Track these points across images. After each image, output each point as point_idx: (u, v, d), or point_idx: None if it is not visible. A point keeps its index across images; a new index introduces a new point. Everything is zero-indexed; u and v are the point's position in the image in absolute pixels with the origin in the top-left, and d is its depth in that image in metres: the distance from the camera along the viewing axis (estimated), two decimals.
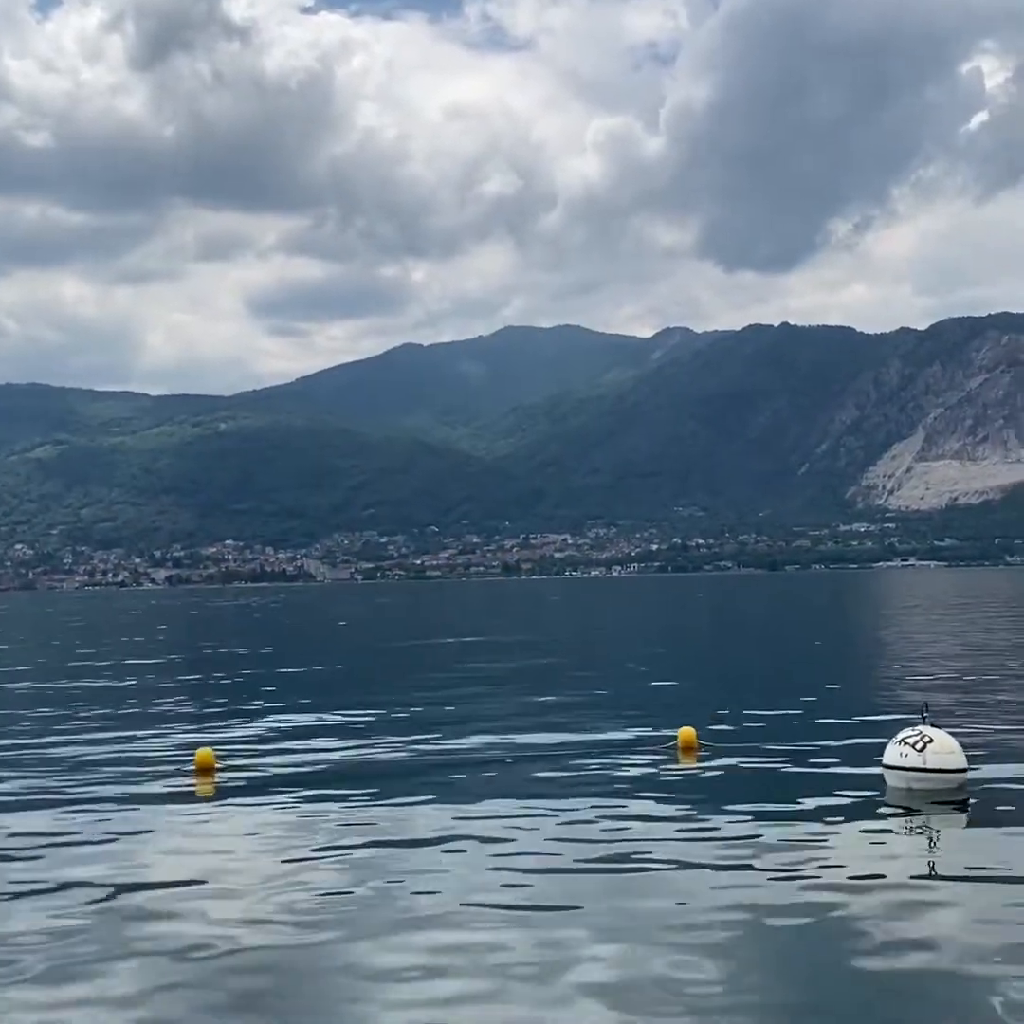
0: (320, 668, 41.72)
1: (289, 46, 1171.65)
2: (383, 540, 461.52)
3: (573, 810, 15.24)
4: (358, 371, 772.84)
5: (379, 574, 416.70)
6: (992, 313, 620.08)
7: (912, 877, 11.86)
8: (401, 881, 12.08)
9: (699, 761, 18.79)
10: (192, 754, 19.46)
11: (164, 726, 24.89)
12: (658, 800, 15.78)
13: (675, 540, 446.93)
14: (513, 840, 13.72)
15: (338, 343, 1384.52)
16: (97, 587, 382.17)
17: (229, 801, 16.72)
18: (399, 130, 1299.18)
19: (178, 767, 19.28)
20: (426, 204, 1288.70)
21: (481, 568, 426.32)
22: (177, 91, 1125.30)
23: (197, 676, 39.46)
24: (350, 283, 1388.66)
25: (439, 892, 11.62)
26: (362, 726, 24.11)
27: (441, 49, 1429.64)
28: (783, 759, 18.74)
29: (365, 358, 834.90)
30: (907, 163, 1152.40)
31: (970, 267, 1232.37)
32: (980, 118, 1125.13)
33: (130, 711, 28.20)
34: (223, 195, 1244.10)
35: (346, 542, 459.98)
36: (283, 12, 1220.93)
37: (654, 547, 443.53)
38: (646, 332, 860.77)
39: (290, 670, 40.71)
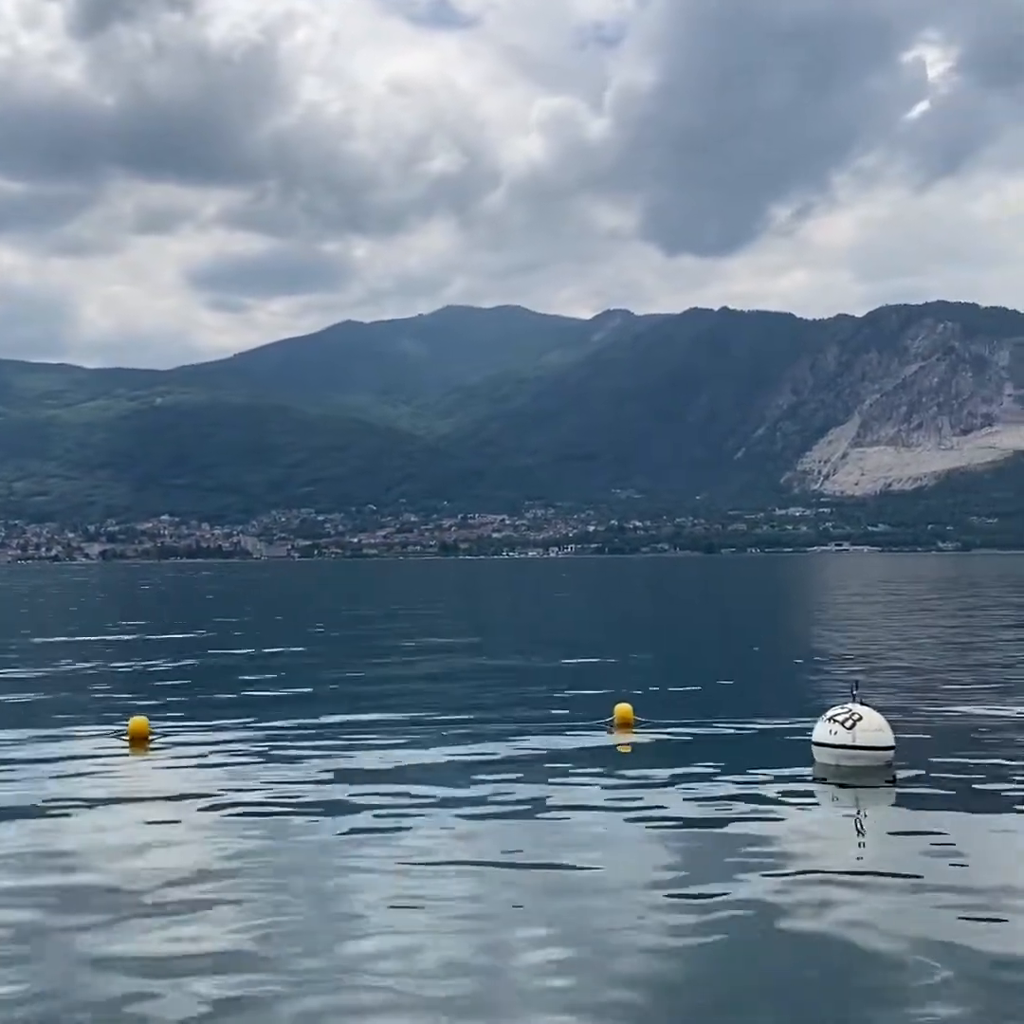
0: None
1: (232, 18, 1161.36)
2: (320, 518, 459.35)
3: (505, 785, 15.22)
4: (298, 347, 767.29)
5: (316, 552, 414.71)
6: (928, 301, 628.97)
7: (838, 854, 11.96)
8: (332, 851, 12.07)
9: (635, 737, 18.90)
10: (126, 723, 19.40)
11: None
12: (592, 775, 15.79)
13: (613, 522, 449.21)
14: (434, 815, 13.73)
15: (278, 319, 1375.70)
16: (30, 561, 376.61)
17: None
18: (343, 104, 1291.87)
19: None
20: (369, 180, 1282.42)
21: (419, 547, 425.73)
22: (118, 61, 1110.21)
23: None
24: (291, 258, 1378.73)
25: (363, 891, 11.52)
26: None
27: (387, 23, 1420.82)
28: (716, 736, 18.88)
29: (305, 334, 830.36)
30: (848, 150, 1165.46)
31: (908, 255, 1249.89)
32: (921, 107, 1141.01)
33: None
34: (163, 166, 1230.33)
35: (283, 519, 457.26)
36: None
37: (592, 529, 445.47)
38: (587, 314, 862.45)
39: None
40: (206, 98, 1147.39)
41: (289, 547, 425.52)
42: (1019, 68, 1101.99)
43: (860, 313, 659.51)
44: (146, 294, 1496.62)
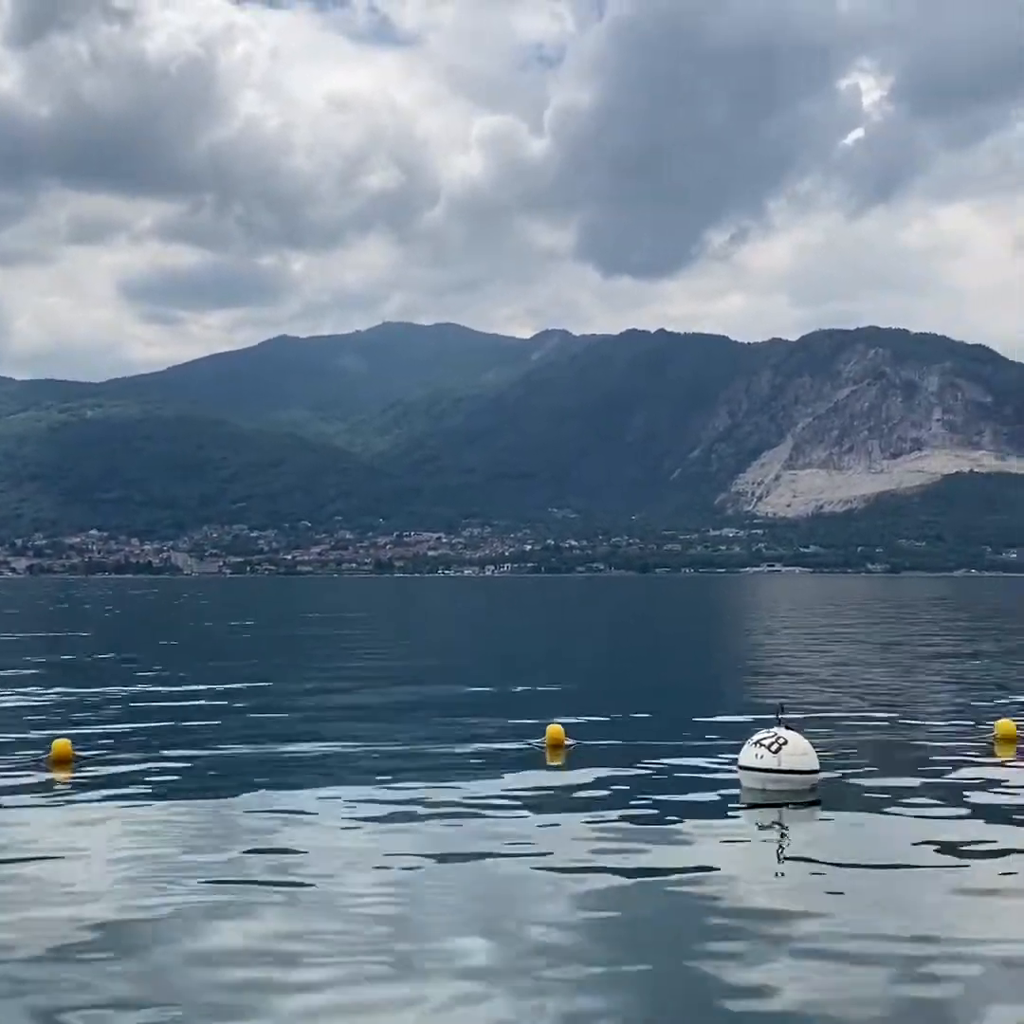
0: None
1: (171, 30, 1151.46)
2: (254, 534, 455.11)
3: (434, 807, 15.03)
4: (233, 362, 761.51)
5: (248, 568, 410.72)
6: (860, 327, 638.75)
7: (761, 876, 11.94)
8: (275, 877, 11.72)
9: (566, 758, 18.79)
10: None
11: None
12: (521, 797, 15.66)
13: (549, 541, 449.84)
14: (358, 829, 13.57)
15: (213, 333, 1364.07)
16: None
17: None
18: (281, 119, 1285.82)
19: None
20: (307, 195, 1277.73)
21: (354, 565, 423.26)
22: (54, 71, 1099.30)
23: None
24: (227, 272, 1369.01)
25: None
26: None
27: (327, 39, 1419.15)
28: (645, 757, 18.80)
29: (240, 349, 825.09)
30: (784, 176, 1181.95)
31: (841, 281, 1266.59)
32: (856, 134, 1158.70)
33: None
34: (98, 177, 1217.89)
35: (215, 535, 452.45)
36: None
37: (528, 547, 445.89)
38: (525, 333, 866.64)
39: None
40: (143, 110, 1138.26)
41: (221, 564, 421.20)
42: (951, 99, 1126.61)
43: (794, 337, 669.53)
44: (79, 305, 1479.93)
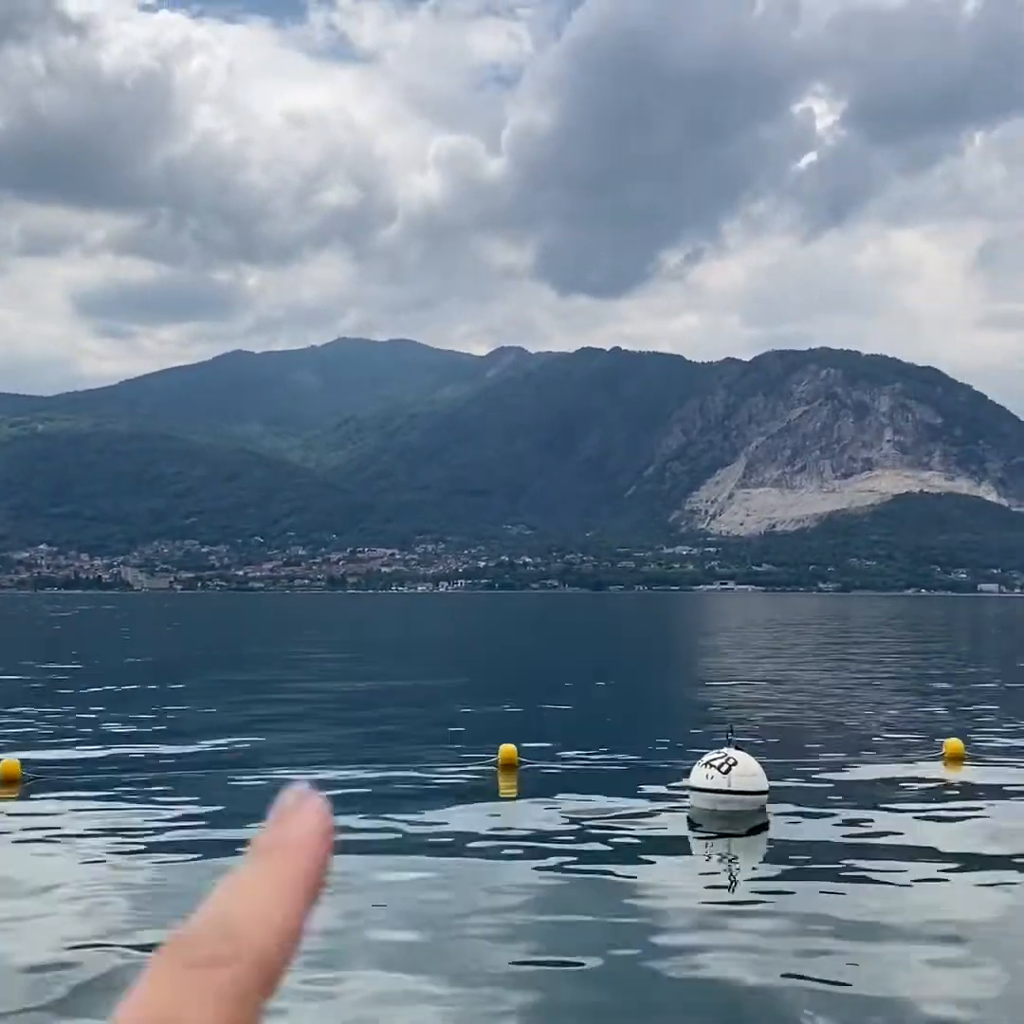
0: None
1: (127, 43, 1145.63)
2: (205, 550, 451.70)
3: (385, 830, 14.87)
4: (187, 376, 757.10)
5: (200, 584, 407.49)
6: (813, 348, 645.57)
7: (711, 895, 11.97)
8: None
9: (519, 777, 18.71)
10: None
11: None
12: (474, 814, 15.66)
13: (503, 558, 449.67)
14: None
15: (167, 347, 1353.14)
16: None
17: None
18: (238, 134, 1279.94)
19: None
20: (263, 210, 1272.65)
21: (306, 581, 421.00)
22: (9, 82, 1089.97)
23: None
24: (181, 286, 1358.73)
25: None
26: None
27: (284, 56, 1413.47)
28: (597, 776, 18.78)
29: (194, 363, 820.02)
30: (738, 198, 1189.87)
31: (794, 302, 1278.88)
32: (809, 158, 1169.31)
33: None
34: (52, 189, 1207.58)
35: (166, 551, 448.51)
36: (122, 9, 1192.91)
37: (482, 564, 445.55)
38: (481, 350, 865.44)
39: None
40: (98, 123, 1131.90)
41: (172, 579, 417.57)
42: (903, 125, 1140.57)
43: (747, 357, 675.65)
44: (31, 318, 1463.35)
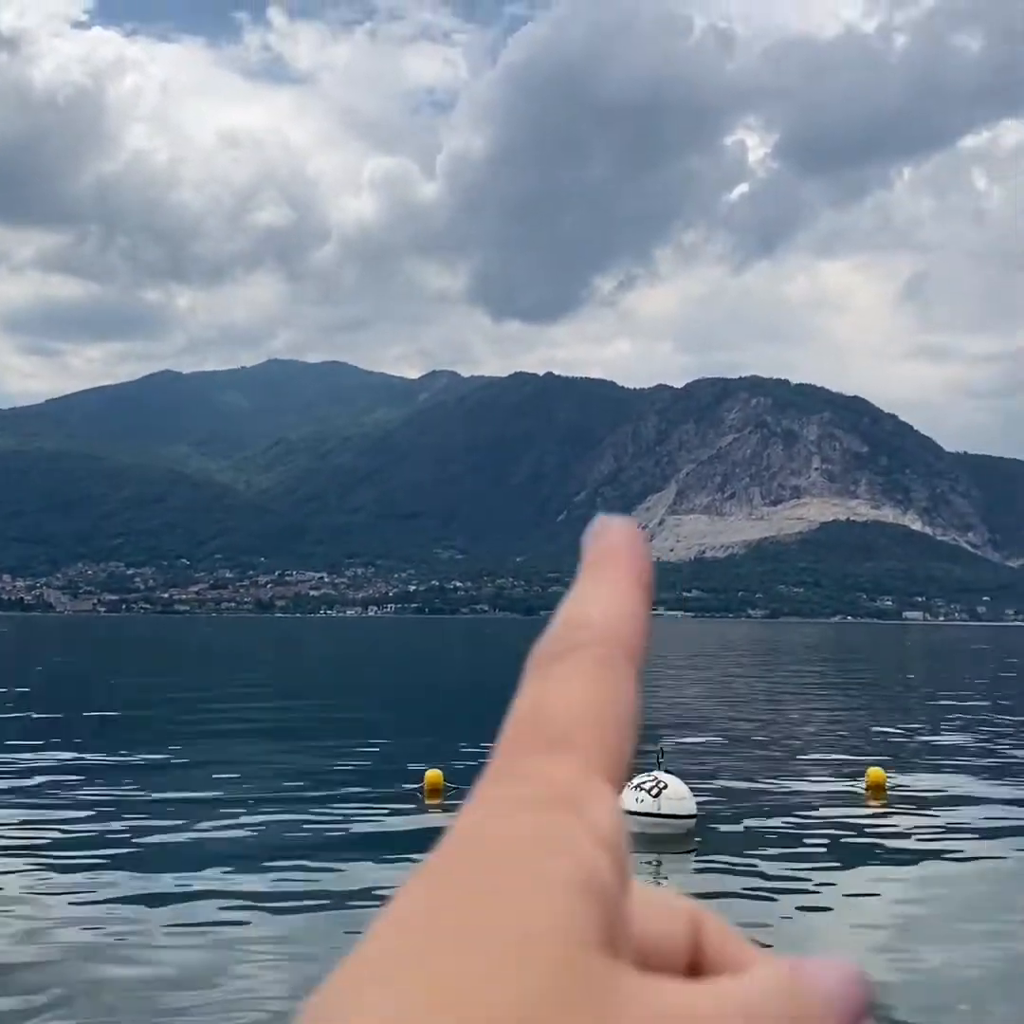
0: None
1: (59, 60, 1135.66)
2: (130, 572, 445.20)
3: (310, 852, 14.29)
4: (114, 395, 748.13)
5: (124, 607, 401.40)
6: (743, 376, 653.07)
7: None
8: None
9: (444, 803, 18.19)
10: None
11: None
12: (398, 843, 15.15)
13: (434, 582, 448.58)
14: (233, 881, 12.59)
15: (95, 366, 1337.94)
16: None
17: None
18: (170, 153, 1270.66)
19: None
20: (194, 230, 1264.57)
21: (233, 604, 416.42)
22: None
23: None
24: (110, 305, 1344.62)
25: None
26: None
27: (219, 75, 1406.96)
28: None
29: (122, 383, 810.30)
30: (670, 226, 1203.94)
31: (725, 331, 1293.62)
32: (741, 189, 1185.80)
33: None
34: None
35: (90, 572, 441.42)
36: (55, 25, 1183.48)
37: (412, 588, 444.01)
38: (414, 373, 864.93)
39: None
40: (29, 139, 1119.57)
41: (95, 601, 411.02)
42: (833, 158, 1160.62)
43: (679, 384, 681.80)
44: None
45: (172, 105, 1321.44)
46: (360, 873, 13.55)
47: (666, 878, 13.68)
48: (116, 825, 16.35)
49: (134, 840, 15.37)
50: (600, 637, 0.67)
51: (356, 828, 16.19)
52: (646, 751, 21.07)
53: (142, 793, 19.10)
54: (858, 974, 0.58)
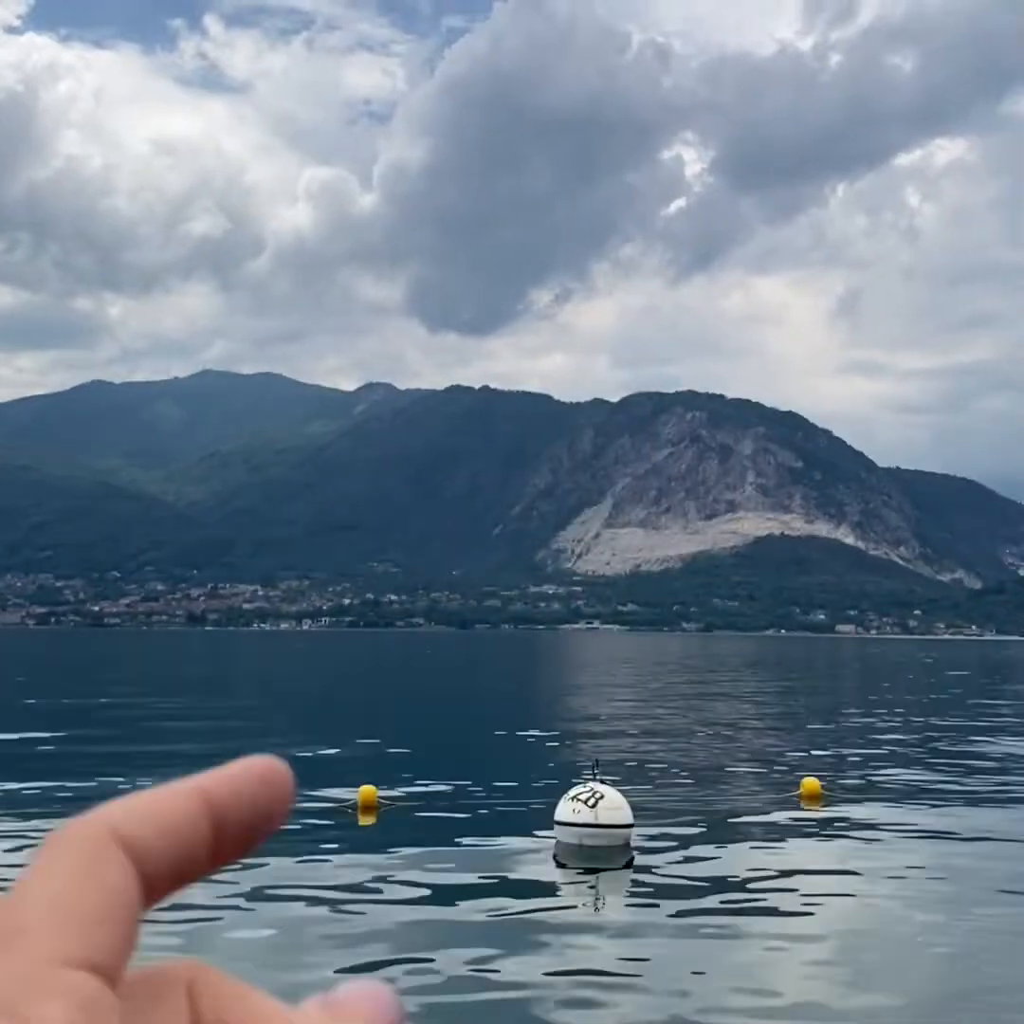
0: None
1: None
2: (59, 584, 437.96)
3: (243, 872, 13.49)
4: (43, 405, 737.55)
5: (53, 619, 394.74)
6: (679, 391, 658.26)
7: (578, 933, 11.72)
8: None
9: (379, 819, 18.03)
10: None
11: None
12: (333, 858, 15.03)
13: (368, 595, 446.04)
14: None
15: (24, 375, 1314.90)
16: None
17: None
18: (103, 161, 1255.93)
19: None
20: (127, 238, 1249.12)
21: (165, 617, 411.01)
22: None
23: None
24: (40, 313, 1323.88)
25: None
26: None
27: (153, 83, 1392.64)
28: (459, 813, 18.26)
29: (52, 392, 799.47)
30: (607, 240, 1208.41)
31: (661, 345, 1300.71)
32: (678, 204, 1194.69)
33: None
34: None
35: (18, 584, 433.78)
36: None
37: (347, 601, 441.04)
38: (349, 385, 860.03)
39: None
40: None
41: (24, 614, 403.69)
42: (768, 174, 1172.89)
43: (615, 398, 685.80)
44: None
45: (106, 112, 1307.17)
46: (287, 891, 13.24)
47: (602, 888, 13.69)
48: None
49: None
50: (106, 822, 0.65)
51: (287, 843, 15.45)
52: (582, 763, 20.73)
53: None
54: (389, 994, 0.69)
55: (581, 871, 14.54)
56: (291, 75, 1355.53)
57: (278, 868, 14.03)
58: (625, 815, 15.73)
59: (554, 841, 15.68)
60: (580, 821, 15.52)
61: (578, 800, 15.73)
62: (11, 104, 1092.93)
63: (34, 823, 16.38)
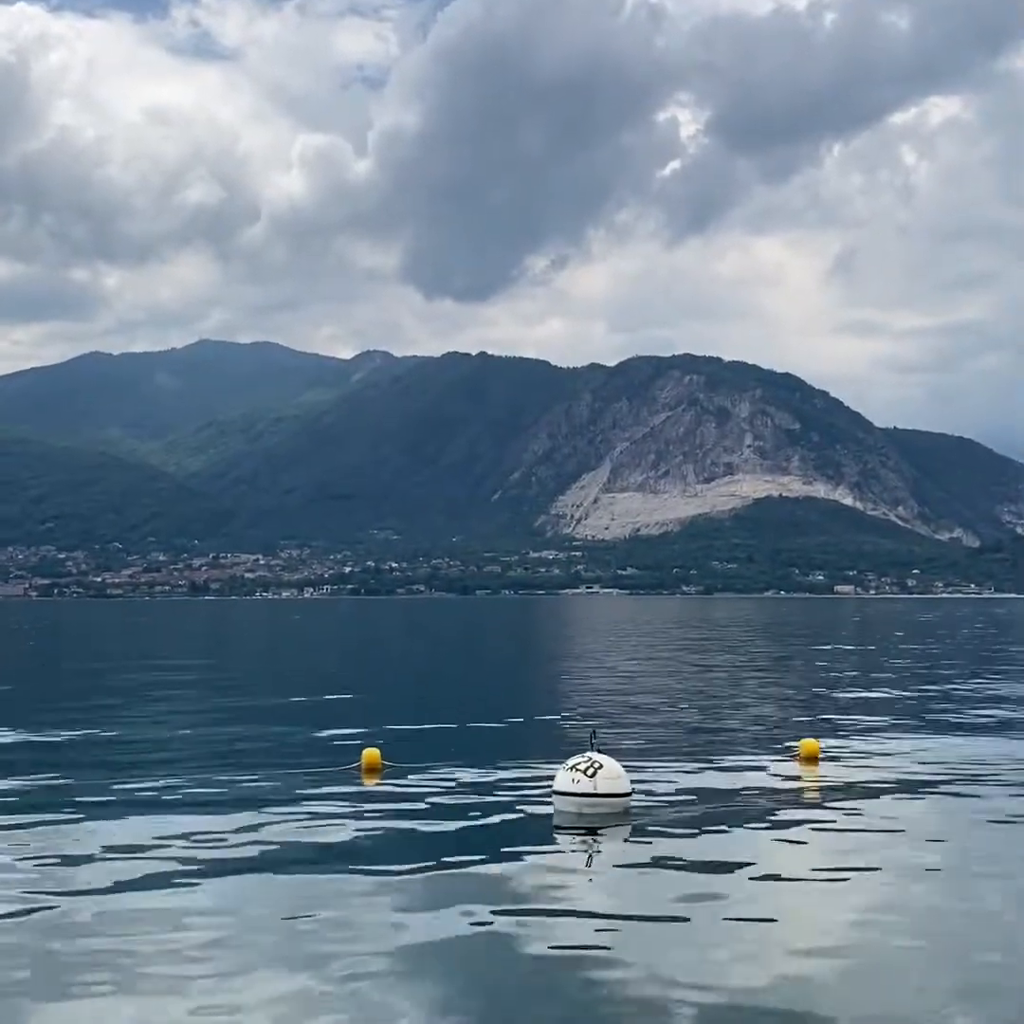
0: None
1: None
2: (62, 556, 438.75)
3: (251, 835, 14.43)
4: (42, 378, 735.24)
5: (56, 591, 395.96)
6: (676, 354, 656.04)
7: (578, 898, 11.93)
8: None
9: (382, 782, 18.39)
10: None
11: None
12: (337, 821, 15.32)
13: (369, 563, 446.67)
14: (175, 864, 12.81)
15: (21, 348, 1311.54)
16: None
17: None
18: (97, 131, 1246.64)
19: None
20: (122, 208, 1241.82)
21: (167, 587, 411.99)
22: None
23: None
24: (36, 285, 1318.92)
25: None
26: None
27: (145, 52, 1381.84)
28: (461, 783, 18.57)
29: (50, 365, 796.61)
30: (603, 205, 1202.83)
31: (658, 309, 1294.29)
32: (673, 166, 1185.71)
33: None
34: None
35: (21, 557, 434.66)
36: None
37: (348, 569, 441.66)
38: (346, 353, 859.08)
39: None
40: None
41: (27, 585, 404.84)
42: (764, 135, 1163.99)
43: (612, 363, 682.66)
44: None
45: (99, 82, 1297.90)
46: (291, 853, 13.69)
47: (601, 856, 13.95)
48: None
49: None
50: None
51: (292, 807, 16.29)
52: (580, 732, 21.52)
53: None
54: None
55: (580, 840, 14.76)
56: (283, 41, 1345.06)
57: (283, 830, 14.65)
58: (624, 784, 15.97)
59: (553, 810, 15.93)
60: (579, 791, 15.74)
61: (577, 770, 15.88)
62: (3, 75, 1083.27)
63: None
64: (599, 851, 14.28)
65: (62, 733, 25.17)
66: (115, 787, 18.15)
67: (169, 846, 14.04)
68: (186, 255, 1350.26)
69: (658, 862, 13.37)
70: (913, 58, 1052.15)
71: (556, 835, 15.03)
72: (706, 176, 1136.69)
